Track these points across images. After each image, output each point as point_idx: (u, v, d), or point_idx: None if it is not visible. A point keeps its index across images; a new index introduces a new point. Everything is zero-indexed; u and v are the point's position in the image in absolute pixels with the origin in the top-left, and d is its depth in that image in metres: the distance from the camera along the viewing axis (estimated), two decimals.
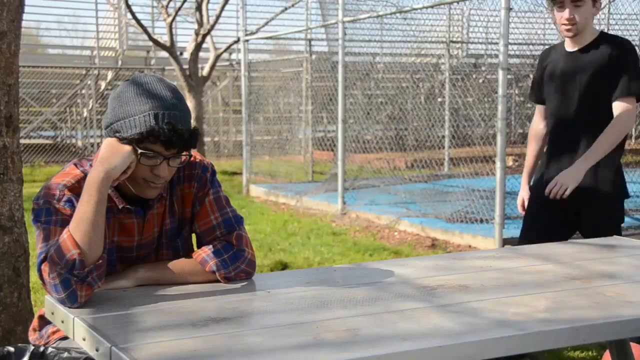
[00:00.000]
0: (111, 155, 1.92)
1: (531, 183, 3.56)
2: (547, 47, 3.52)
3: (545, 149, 3.50)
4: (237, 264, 2.09)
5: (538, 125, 3.56)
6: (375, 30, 10.66)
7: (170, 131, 1.92)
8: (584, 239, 3.09)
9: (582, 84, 3.26)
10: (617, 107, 3.22)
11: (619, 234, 3.25)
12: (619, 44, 3.27)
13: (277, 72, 12.59)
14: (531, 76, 15.59)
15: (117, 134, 1.95)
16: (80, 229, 1.86)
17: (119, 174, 1.93)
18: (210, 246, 2.10)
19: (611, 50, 3.23)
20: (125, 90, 1.99)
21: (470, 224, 6.83)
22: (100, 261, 1.89)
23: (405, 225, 7.01)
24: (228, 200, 2.20)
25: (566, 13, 3.21)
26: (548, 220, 3.36)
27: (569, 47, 3.34)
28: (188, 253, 2.17)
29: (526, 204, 3.49)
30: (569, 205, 3.26)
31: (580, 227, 3.36)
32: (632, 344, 2.43)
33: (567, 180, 3.17)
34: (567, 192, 3.16)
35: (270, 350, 1.57)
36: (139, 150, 1.94)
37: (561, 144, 3.36)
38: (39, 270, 1.90)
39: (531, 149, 3.58)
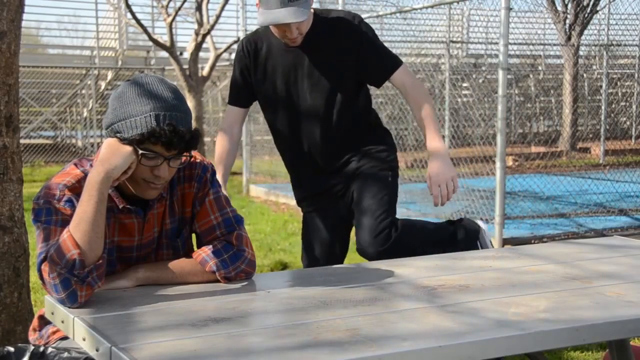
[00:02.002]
0: (112, 155, 1.92)
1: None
2: (245, 40, 2.95)
3: (289, 157, 3.05)
4: (237, 264, 2.09)
5: (233, 130, 3.03)
6: (375, 30, 10.67)
7: (171, 132, 1.92)
8: (363, 199, 2.86)
9: (323, 78, 2.85)
10: (402, 78, 2.86)
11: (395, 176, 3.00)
12: (350, 24, 2.84)
13: None
14: (531, 76, 15.62)
15: (118, 135, 1.95)
16: (80, 229, 1.86)
17: (120, 174, 1.93)
18: (210, 246, 2.10)
19: (346, 32, 2.82)
20: (126, 91, 1.99)
21: None
22: (100, 261, 1.89)
23: None
24: (228, 200, 2.20)
25: (290, 34, 2.77)
26: (330, 230, 3.03)
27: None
28: (188, 253, 2.17)
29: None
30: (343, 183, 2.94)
31: (354, 193, 2.95)
32: (632, 344, 2.43)
33: (447, 173, 2.73)
34: (456, 186, 2.74)
35: (270, 350, 1.57)
36: (140, 151, 1.94)
37: (315, 148, 2.94)
38: (39, 270, 1.90)
39: (224, 152, 3.01)
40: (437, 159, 2.76)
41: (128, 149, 1.93)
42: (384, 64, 2.89)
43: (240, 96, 3.03)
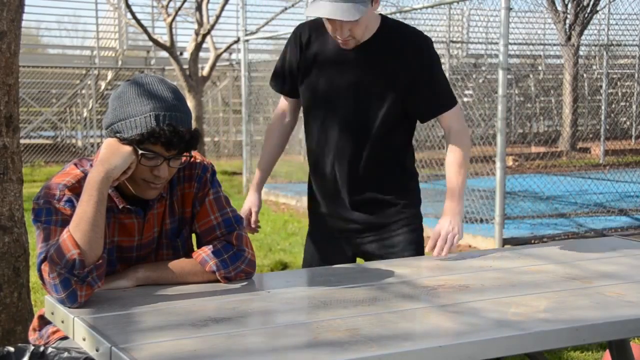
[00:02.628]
0: (111, 155, 1.92)
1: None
2: (301, 26, 2.66)
3: (313, 165, 2.74)
4: (237, 264, 2.09)
5: (284, 120, 2.81)
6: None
7: (171, 132, 1.92)
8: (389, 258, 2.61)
9: (371, 93, 2.54)
10: (450, 121, 2.59)
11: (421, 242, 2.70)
12: (418, 43, 2.55)
13: None
14: (531, 76, 15.63)
15: (118, 135, 1.95)
16: (80, 229, 1.86)
17: (119, 174, 1.93)
18: (210, 246, 2.10)
19: (411, 51, 2.53)
20: (126, 91, 1.99)
21: (470, 224, 6.83)
22: (100, 261, 1.89)
23: None
24: (228, 200, 2.20)
25: (340, 34, 2.46)
26: (331, 250, 2.76)
27: None
28: (188, 253, 2.17)
29: (254, 215, 2.76)
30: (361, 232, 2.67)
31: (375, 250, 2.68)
32: (632, 344, 2.43)
33: (454, 231, 2.52)
34: (456, 243, 2.51)
35: (270, 350, 1.57)
36: (140, 151, 1.94)
37: (341, 168, 2.62)
38: (39, 270, 1.90)
39: (272, 146, 2.81)
40: (447, 216, 2.55)
41: (128, 149, 1.93)
42: (438, 100, 2.59)
43: (284, 85, 2.74)
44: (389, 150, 2.63)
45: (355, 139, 2.60)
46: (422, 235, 2.71)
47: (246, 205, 2.78)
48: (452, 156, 2.60)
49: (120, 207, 2.05)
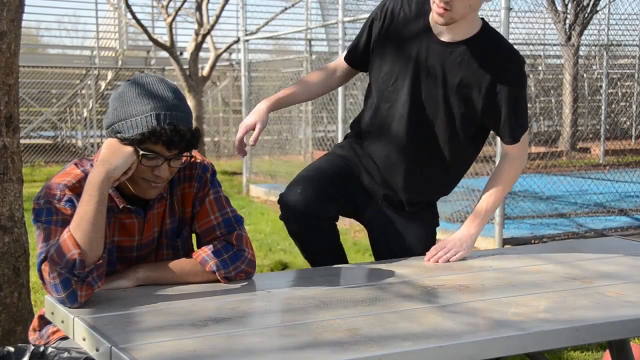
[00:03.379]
0: (112, 155, 1.92)
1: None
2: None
3: (365, 133, 2.63)
4: (237, 264, 2.09)
5: (334, 74, 2.69)
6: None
7: (172, 132, 1.92)
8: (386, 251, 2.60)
9: (452, 99, 2.45)
10: (511, 152, 2.58)
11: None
12: (513, 63, 2.43)
13: (277, 72, 12.59)
14: (532, 76, 15.60)
15: (119, 135, 1.95)
16: (80, 229, 1.86)
17: (120, 174, 1.93)
18: (210, 246, 2.10)
19: (503, 68, 2.42)
20: (126, 91, 1.99)
21: None
22: (101, 261, 1.89)
23: None
24: (228, 200, 2.20)
25: None
26: (332, 191, 2.53)
27: (438, 29, 2.43)
28: (188, 253, 2.17)
29: (257, 131, 2.43)
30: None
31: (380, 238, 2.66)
32: (632, 344, 2.43)
33: (460, 248, 2.44)
34: (456, 258, 2.41)
35: (270, 350, 1.57)
36: (140, 152, 1.94)
37: (393, 149, 2.55)
38: (39, 270, 1.90)
39: (308, 83, 2.66)
40: (461, 233, 2.49)
41: (129, 149, 1.93)
42: (512, 127, 2.52)
43: (355, 55, 2.64)
44: (451, 167, 2.63)
45: (420, 145, 2.53)
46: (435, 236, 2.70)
47: (251, 117, 2.49)
48: (496, 178, 2.56)
49: (121, 207, 2.05)
